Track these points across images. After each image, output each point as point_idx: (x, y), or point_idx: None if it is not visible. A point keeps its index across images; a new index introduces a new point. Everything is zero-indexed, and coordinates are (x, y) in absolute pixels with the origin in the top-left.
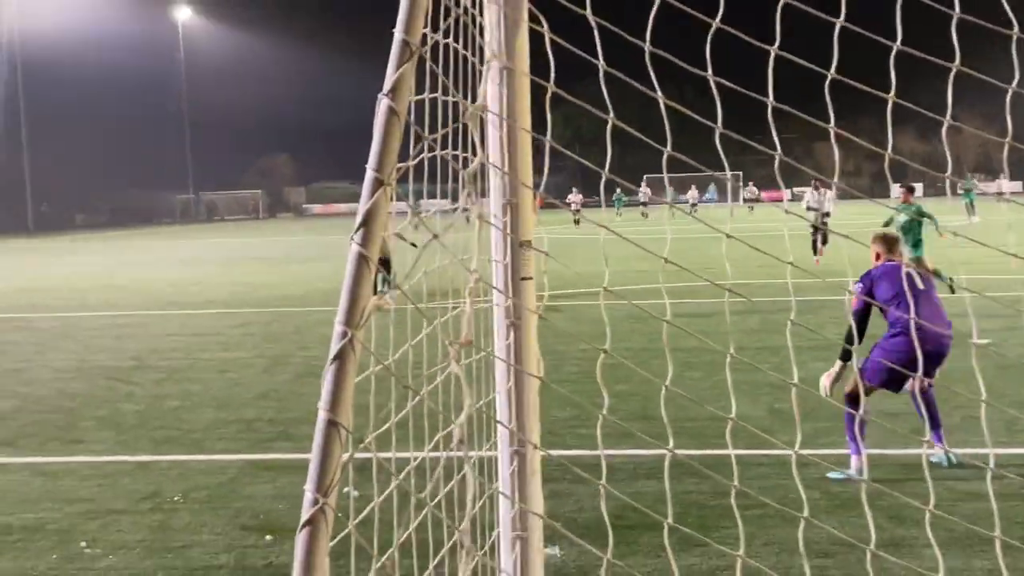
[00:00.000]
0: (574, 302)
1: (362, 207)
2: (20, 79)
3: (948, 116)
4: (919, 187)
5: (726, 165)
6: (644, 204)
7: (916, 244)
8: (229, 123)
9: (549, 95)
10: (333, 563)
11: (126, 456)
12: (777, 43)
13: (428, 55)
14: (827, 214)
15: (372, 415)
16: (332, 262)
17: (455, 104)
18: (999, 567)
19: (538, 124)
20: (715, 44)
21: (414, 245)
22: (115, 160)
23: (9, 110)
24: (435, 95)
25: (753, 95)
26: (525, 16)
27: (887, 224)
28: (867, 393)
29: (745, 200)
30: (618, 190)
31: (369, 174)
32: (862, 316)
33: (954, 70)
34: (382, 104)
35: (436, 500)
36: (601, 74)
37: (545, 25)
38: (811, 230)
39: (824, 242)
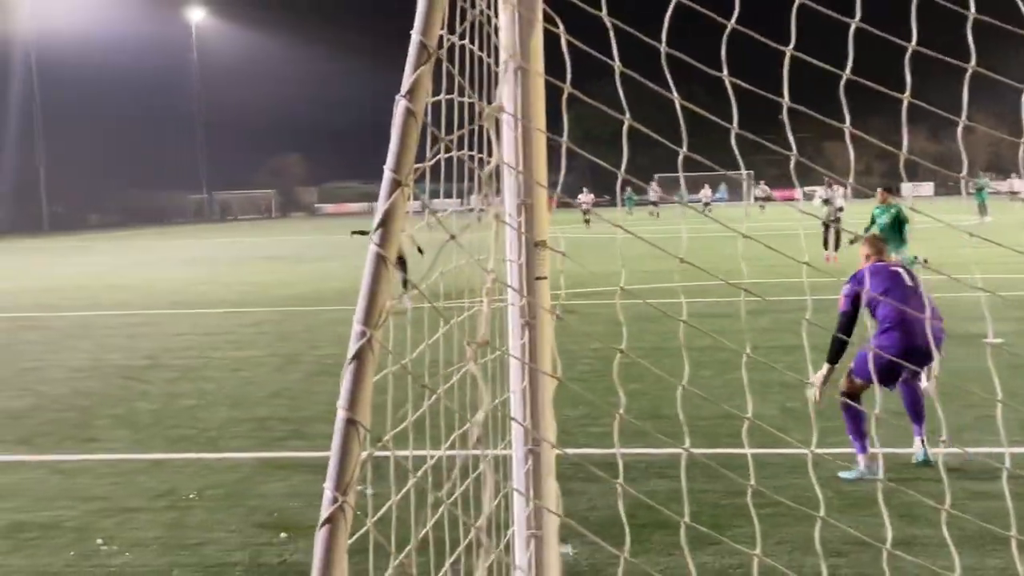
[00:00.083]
0: (585, 301)
1: (380, 207)
2: (35, 79)
3: (964, 116)
4: (930, 186)
5: (741, 164)
6: (654, 204)
7: (898, 245)
8: (241, 123)
9: (565, 96)
10: (348, 561)
11: (141, 454)
12: (792, 43)
13: (444, 56)
14: (840, 209)
15: (390, 414)
16: (344, 261)
17: (471, 105)
18: (1012, 566)
19: (550, 124)
20: (730, 45)
21: (421, 251)
22: (128, 160)
23: (24, 110)
24: (451, 96)
25: (766, 95)
26: (539, 16)
27: (870, 227)
28: (860, 390)
29: (756, 199)
30: (628, 189)
31: (387, 175)
32: (850, 318)
33: (970, 70)
34: (400, 105)
35: (452, 498)
36: (617, 75)
37: (561, 26)
38: (823, 228)
39: (836, 246)
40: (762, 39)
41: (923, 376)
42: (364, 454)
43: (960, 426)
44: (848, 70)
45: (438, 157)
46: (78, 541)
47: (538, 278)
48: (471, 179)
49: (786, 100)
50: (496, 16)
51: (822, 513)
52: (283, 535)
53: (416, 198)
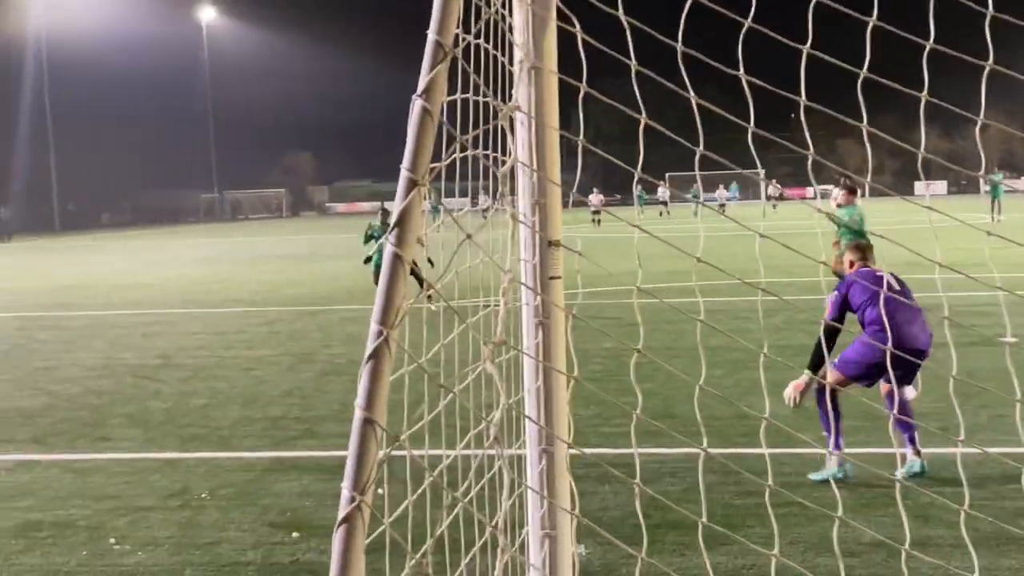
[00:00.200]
0: (596, 301)
1: (396, 207)
2: (46, 79)
3: (981, 114)
4: (942, 184)
5: (758, 163)
6: (664, 204)
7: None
8: (252, 122)
9: (582, 94)
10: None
11: (154, 453)
12: (809, 42)
13: (460, 56)
14: None
15: (406, 413)
16: (355, 261)
17: (485, 104)
18: None
19: (561, 124)
20: (736, 42)
21: (431, 262)
22: (140, 159)
23: (36, 109)
24: (467, 95)
25: (784, 93)
26: (553, 15)
27: (840, 231)
28: (841, 386)
29: (768, 198)
30: (639, 188)
31: (403, 174)
32: (835, 327)
33: (987, 68)
34: (416, 105)
35: (469, 497)
36: (633, 74)
37: (577, 25)
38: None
39: None
40: (779, 38)
41: (909, 389)
42: (381, 453)
43: (975, 426)
44: (865, 68)
45: (454, 156)
46: (91, 540)
47: (552, 277)
48: (485, 178)
49: (803, 98)
50: (511, 15)
51: (840, 513)
52: (295, 534)
53: (427, 197)
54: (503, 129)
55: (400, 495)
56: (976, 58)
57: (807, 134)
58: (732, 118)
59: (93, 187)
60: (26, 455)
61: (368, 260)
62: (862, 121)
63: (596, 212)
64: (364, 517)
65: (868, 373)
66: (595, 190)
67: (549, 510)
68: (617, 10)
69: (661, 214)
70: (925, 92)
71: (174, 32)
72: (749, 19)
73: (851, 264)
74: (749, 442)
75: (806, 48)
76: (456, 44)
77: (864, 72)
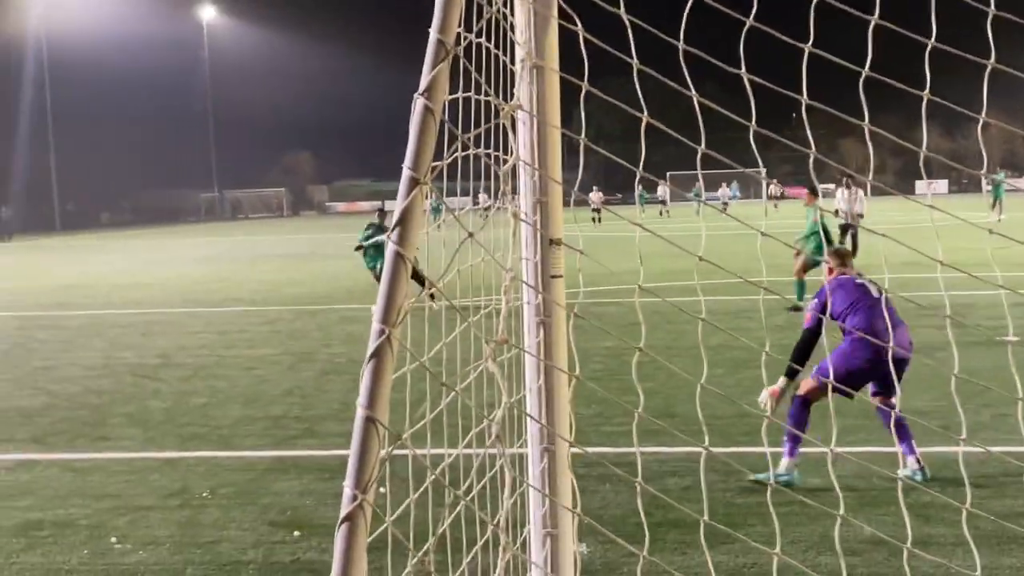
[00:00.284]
0: (597, 300)
1: (398, 206)
2: (46, 78)
3: (983, 114)
4: (944, 183)
5: (760, 162)
6: (663, 203)
7: (818, 248)
8: (253, 122)
9: (583, 93)
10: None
11: (154, 452)
12: (811, 41)
13: (462, 54)
14: (860, 215)
15: (408, 412)
16: (355, 260)
17: (487, 103)
18: None
19: (562, 122)
20: (737, 41)
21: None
22: (140, 159)
23: (36, 109)
24: (468, 94)
25: (785, 92)
26: (555, 14)
27: (807, 236)
28: (818, 397)
29: (770, 197)
30: (639, 187)
31: (405, 173)
32: (814, 334)
33: (989, 67)
34: (418, 104)
35: (471, 496)
36: (635, 72)
37: (579, 23)
38: (839, 230)
39: (854, 251)
40: (781, 36)
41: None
42: (383, 452)
43: (977, 425)
44: (867, 67)
45: (455, 155)
46: (92, 539)
47: (553, 276)
48: (487, 177)
49: (804, 97)
50: (512, 14)
51: (841, 512)
52: (296, 533)
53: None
54: (505, 128)
55: (402, 494)
56: (978, 57)
57: (809, 133)
58: (734, 117)
59: (93, 187)
60: (26, 454)
61: (359, 248)
62: (864, 120)
63: (596, 210)
64: (366, 515)
65: (849, 381)
66: (595, 188)
67: (551, 508)
68: (619, 9)
69: (661, 213)
70: (927, 91)
71: (174, 32)
72: (751, 18)
73: (830, 271)
74: (750, 441)
75: (808, 47)
76: (458, 43)
77: (866, 71)
